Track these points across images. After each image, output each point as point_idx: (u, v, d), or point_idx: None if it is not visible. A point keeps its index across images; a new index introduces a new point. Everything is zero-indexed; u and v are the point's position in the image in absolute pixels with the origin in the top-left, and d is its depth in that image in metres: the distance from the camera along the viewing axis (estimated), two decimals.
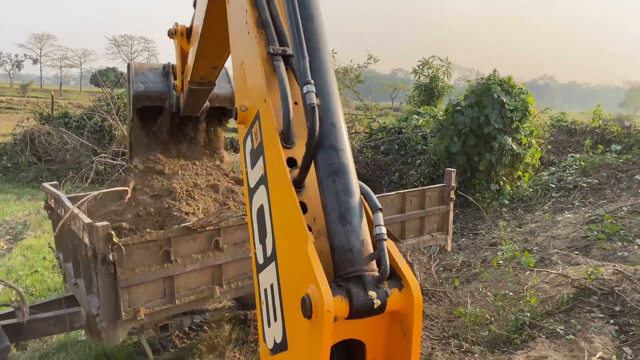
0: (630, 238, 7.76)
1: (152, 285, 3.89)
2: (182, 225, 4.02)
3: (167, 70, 4.96)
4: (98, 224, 3.48)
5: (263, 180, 1.90)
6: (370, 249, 1.59)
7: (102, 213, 4.48)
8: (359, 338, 1.61)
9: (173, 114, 4.96)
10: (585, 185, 10.74)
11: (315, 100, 1.69)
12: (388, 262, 1.51)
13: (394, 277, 1.56)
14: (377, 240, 1.57)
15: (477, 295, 6.74)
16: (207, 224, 4.00)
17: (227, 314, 6.28)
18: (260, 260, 1.94)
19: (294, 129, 1.82)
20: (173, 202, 4.38)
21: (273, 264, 1.82)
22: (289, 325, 1.67)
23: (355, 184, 1.68)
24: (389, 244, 1.58)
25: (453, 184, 5.99)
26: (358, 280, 1.51)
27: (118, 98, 15.69)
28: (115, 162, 12.37)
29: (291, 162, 1.80)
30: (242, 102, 2.13)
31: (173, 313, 4.23)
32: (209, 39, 3.36)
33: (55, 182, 5.32)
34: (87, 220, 3.63)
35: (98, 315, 3.76)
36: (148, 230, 3.83)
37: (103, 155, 13.05)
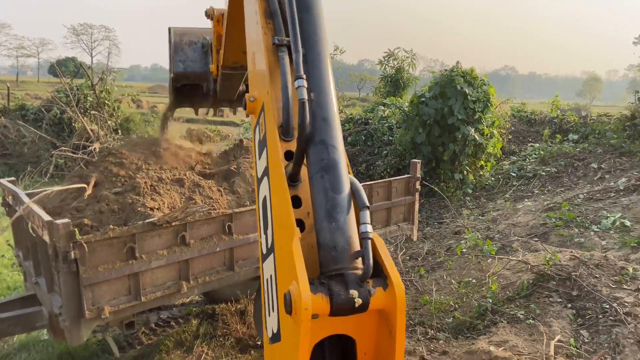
0: (587, 225, 8.09)
1: (117, 283, 3.82)
2: (147, 221, 3.96)
3: (205, 49, 4.96)
4: (59, 221, 3.40)
5: (266, 171, 1.90)
6: (356, 246, 1.58)
7: (62, 210, 4.36)
8: (348, 334, 1.60)
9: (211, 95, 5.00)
10: (544, 173, 11.10)
11: (305, 96, 1.69)
12: (371, 261, 1.49)
13: (381, 275, 1.55)
14: (361, 239, 1.55)
15: (441, 283, 6.91)
16: (172, 219, 3.95)
17: (194, 309, 6.23)
18: (264, 250, 1.96)
19: (295, 122, 1.80)
20: (137, 197, 4.30)
21: (272, 255, 1.83)
22: (282, 317, 1.68)
23: (344, 180, 1.66)
24: (378, 242, 1.57)
25: (418, 174, 6.10)
26: (340, 278, 1.50)
27: (78, 89, 15.19)
28: (76, 155, 12.00)
29: (290, 156, 1.80)
30: (253, 92, 2.13)
31: (139, 310, 4.17)
32: (234, 24, 3.35)
33: (13, 177, 5.14)
34: (47, 217, 3.53)
35: (60, 315, 3.68)
36: (111, 226, 3.75)
37: (63, 148, 12.63)
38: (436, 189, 9.84)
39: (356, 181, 1.71)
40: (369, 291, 1.48)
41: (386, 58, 18.93)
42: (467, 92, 10.13)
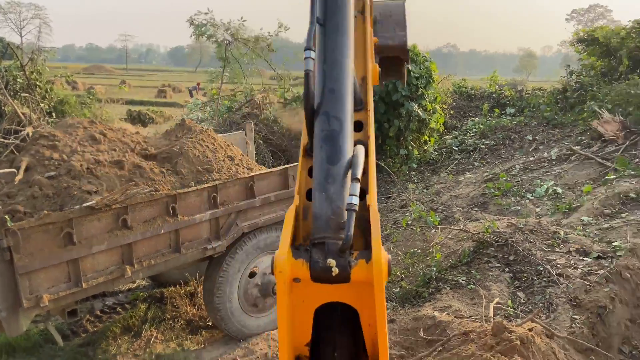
0: (522, 193, 8.53)
1: (55, 270, 3.68)
2: (85, 204, 3.82)
3: None
4: None
5: None
6: (344, 218, 1.58)
7: None
8: (349, 303, 1.63)
9: None
10: (483, 147, 11.56)
11: (311, 67, 1.70)
12: (351, 232, 1.49)
13: (370, 248, 1.56)
14: (346, 210, 1.56)
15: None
16: (112, 202, 3.83)
17: (141, 293, 6.11)
18: None
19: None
20: (73, 181, 4.12)
21: None
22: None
23: (343, 151, 1.66)
24: (372, 216, 1.58)
25: None
26: (322, 246, 1.52)
27: (6, 71, 14.22)
28: (6, 141, 11.30)
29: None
30: None
31: (81, 297, 4.04)
32: None
33: None
34: None
35: None
36: (45, 212, 3.59)
37: None
38: (383, 164, 10.03)
39: (360, 153, 1.69)
40: (349, 262, 1.49)
41: None
42: (410, 68, 10.31)
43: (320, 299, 1.60)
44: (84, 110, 15.11)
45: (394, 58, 3.57)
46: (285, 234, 1.53)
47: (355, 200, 1.53)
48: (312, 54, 1.73)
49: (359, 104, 1.88)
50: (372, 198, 1.66)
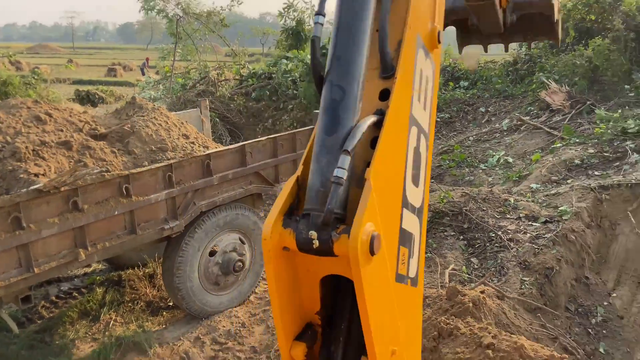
0: (476, 164, 8.79)
1: (4, 256, 3.56)
2: (32, 187, 3.68)
3: None
4: None
5: None
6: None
7: None
8: (350, 277, 1.63)
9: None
10: (439, 120, 11.76)
11: (319, 33, 1.68)
12: (332, 206, 1.47)
13: None
14: (331, 182, 1.51)
15: None
16: (60, 184, 3.70)
17: (98, 277, 5.98)
18: None
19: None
20: (18, 163, 3.96)
21: None
22: None
23: (342, 122, 1.61)
24: (365, 190, 1.53)
25: None
26: (308, 218, 1.52)
27: None
28: None
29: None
30: None
31: (33, 283, 3.93)
32: None
33: None
34: None
35: None
36: None
37: None
38: None
39: (362, 125, 1.63)
40: (331, 235, 1.48)
41: (286, 10, 18.58)
42: None
43: (324, 270, 1.61)
44: (28, 91, 14.40)
45: (539, 15, 3.28)
46: (278, 203, 1.52)
47: (341, 174, 1.50)
48: (321, 19, 1.69)
49: (388, 71, 1.77)
50: (373, 171, 1.57)
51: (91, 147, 4.49)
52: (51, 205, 3.79)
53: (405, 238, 1.78)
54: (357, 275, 1.46)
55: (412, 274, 1.84)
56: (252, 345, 4.80)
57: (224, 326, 5.06)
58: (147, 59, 32.28)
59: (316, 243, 1.48)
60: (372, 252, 1.46)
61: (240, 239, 5.29)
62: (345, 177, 1.50)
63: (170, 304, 5.43)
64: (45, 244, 3.79)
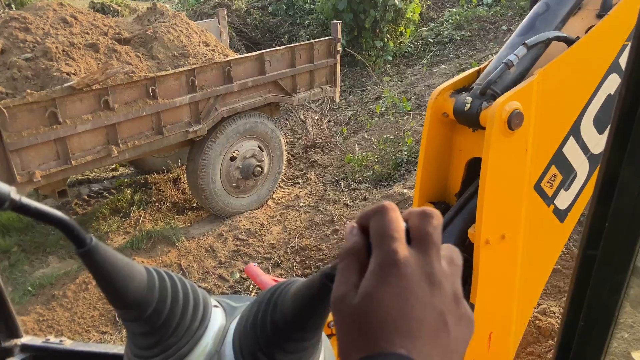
0: None
1: (44, 148, 3.84)
2: (65, 85, 3.89)
3: None
4: None
5: None
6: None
7: None
8: None
9: None
10: (459, 38, 11.51)
11: None
12: (492, 79, 1.62)
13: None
14: (502, 63, 1.67)
15: (363, 143, 7.41)
16: (92, 81, 3.90)
17: (126, 180, 6.35)
18: None
19: None
20: (50, 62, 4.13)
21: None
22: None
23: (533, 29, 1.80)
24: (527, 79, 1.62)
25: (339, 36, 6.20)
26: (471, 90, 1.71)
27: None
28: None
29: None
30: None
31: (70, 174, 4.26)
32: None
33: None
34: None
35: None
36: (28, 91, 3.66)
37: None
38: (358, 57, 10.00)
39: (548, 34, 1.77)
40: (481, 103, 1.62)
41: None
42: None
43: (473, 151, 1.76)
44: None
45: None
46: (453, 79, 1.74)
47: (513, 58, 1.62)
48: None
49: (605, 10, 1.79)
50: (544, 70, 1.61)
51: (117, 51, 4.63)
52: (84, 103, 4.01)
53: (560, 161, 1.76)
54: (487, 141, 1.52)
55: (559, 204, 1.81)
56: (271, 242, 5.19)
57: (244, 225, 5.43)
58: None
59: (467, 106, 1.63)
60: (510, 127, 1.52)
61: (259, 146, 5.53)
62: (515, 63, 1.62)
63: (195, 204, 5.80)
64: (81, 139, 4.07)
